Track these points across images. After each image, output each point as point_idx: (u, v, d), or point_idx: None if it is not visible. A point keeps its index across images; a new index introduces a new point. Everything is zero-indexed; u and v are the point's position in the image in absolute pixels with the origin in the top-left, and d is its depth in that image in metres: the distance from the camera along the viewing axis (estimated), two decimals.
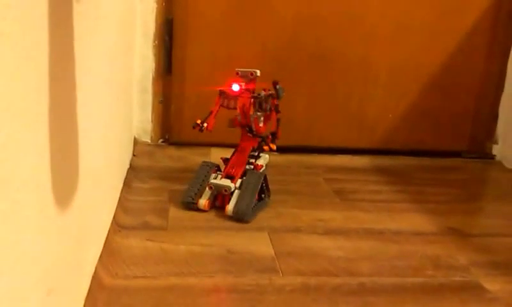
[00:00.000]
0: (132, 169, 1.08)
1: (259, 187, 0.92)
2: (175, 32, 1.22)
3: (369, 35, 1.29)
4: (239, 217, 0.88)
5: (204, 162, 0.96)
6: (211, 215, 0.91)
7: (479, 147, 1.39)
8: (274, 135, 1.00)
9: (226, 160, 0.96)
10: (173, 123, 1.26)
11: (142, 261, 0.73)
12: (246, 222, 0.88)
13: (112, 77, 0.83)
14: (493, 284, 0.74)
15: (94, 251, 0.66)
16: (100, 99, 0.69)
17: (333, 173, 1.21)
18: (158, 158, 1.20)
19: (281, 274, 0.73)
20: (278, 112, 0.98)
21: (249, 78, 0.93)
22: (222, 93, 0.92)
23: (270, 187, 0.99)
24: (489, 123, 1.38)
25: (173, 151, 1.25)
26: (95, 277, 0.64)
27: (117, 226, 0.81)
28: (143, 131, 1.22)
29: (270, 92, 0.96)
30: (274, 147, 0.98)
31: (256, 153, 0.97)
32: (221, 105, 0.92)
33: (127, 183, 0.99)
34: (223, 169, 0.95)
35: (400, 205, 1.04)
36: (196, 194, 0.90)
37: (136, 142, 1.20)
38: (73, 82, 0.50)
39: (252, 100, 0.90)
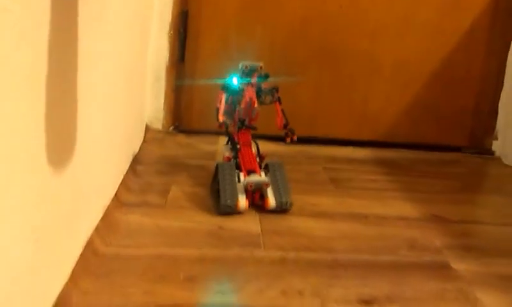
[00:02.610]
0: (141, 153, 1.17)
1: (285, 174, 0.93)
2: (189, 24, 1.30)
3: (374, 30, 1.34)
4: (286, 208, 0.90)
5: (220, 163, 0.93)
6: (207, 197, 0.97)
7: (479, 143, 1.42)
8: (287, 125, 0.97)
9: (232, 159, 0.95)
10: (183, 111, 1.34)
11: (136, 234, 0.81)
12: (289, 211, 0.90)
13: (121, 59, 0.91)
14: (460, 265, 0.78)
15: (90, 220, 0.74)
16: (105, 76, 0.78)
17: (333, 163, 1.26)
18: (167, 145, 1.28)
19: (262, 248, 0.80)
20: (280, 103, 0.97)
21: (257, 71, 0.92)
22: (225, 89, 0.92)
23: None
24: (489, 119, 1.41)
25: (182, 138, 1.33)
26: (89, 244, 0.72)
27: (118, 202, 0.90)
28: (155, 118, 1.30)
29: (272, 86, 0.96)
30: (295, 137, 0.96)
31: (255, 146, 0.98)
32: (226, 102, 0.92)
33: (133, 166, 1.07)
34: (235, 166, 0.93)
35: (391, 193, 1.08)
36: (232, 197, 0.87)
37: (147, 128, 1.28)
38: (76, 52, 0.58)
39: (256, 93, 0.91)
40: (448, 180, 1.20)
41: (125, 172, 1.00)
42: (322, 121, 1.39)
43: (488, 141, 1.42)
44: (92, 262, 0.70)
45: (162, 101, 1.29)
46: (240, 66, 0.91)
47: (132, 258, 0.74)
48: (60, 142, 0.59)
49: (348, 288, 0.70)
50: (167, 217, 0.88)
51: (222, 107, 0.92)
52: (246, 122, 0.96)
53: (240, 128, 0.97)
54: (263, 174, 0.91)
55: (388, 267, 0.77)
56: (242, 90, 0.91)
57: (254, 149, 0.98)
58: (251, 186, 0.88)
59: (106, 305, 0.62)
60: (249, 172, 0.90)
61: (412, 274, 0.75)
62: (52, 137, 0.54)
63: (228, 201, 0.86)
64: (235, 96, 0.92)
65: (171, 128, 1.34)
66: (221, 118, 0.91)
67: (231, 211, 0.87)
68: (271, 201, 0.88)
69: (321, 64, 1.35)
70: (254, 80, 0.93)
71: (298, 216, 0.93)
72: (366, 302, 0.67)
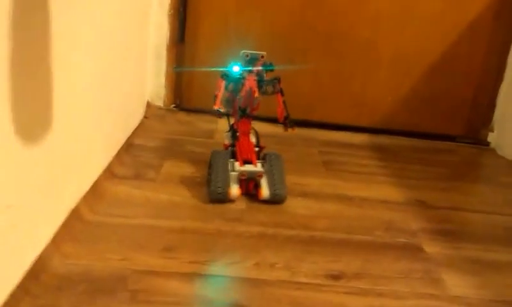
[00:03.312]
0: (140, 129, 1.20)
1: (283, 166, 0.92)
2: (189, 5, 1.31)
3: (375, 18, 1.34)
4: (278, 200, 0.89)
5: (215, 151, 0.93)
6: (200, 173, 1.00)
7: (475, 133, 1.43)
8: (288, 118, 0.96)
9: (230, 146, 0.95)
10: (184, 89, 1.37)
11: (124, 204, 0.85)
12: (283, 202, 0.89)
13: (114, 35, 0.94)
14: (432, 248, 0.80)
15: (76, 189, 0.78)
16: (94, 52, 0.81)
17: (328, 147, 1.28)
18: (167, 122, 1.31)
19: (244, 224, 0.83)
20: (283, 94, 0.95)
21: (259, 60, 0.90)
22: (225, 76, 0.90)
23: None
24: (487, 111, 1.41)
25: (182, 116, 1.36)
26: (75, 211, 0.76)
27: (110, 174, 0.94)
28: (156, 95, 1.33)
29: (274, 77, 0.94)
30: (294, 129, 0.96)
31: (255, 136, 0.98)
32: (225, 89, 0.91)
33: (130, 140, 1.11)
34: (230, 156, 0.93)
35: (380, 178, 1.10)
36: (224, 185, 0.86)
37: (148, 105, 1.32)
38: (49, 27, 0.62)
39: (257, 83, 0.89)
40: (439, 167, 1.21)
41: (120, 146, 1.04)
42: (321, 106, 1.40)
43: (484, 132, 1.42)
44: (76, 228, 0.75)
45: (164, 79, 1.32)
46: (241, 54, 0.89)
47: (116, 226, 0.78)
48: (36, 114, 0.62)
49: (319, 263, 0.73)
50: (157, 190, 0.92)
51: (220, 94, 0.90)
52: (248, 111, 0.95)
53: (242, 116, 0.96)
54: (259, 164, 0.91)
55: (361, 246, 0.79)
56: (243, 79, 0.90)
57: (254, 139, 0.98)
58: (244, 175, 0.88)
59: (84, 268, 0.66)
60: (245, 161, 0.90)
61: (383, 253, 0.78)
62: (25, 108, 0.57)
63: (219, 188, 0.86)
64: (236, 84, 0.90)
65: (172, 105, 1.37)
66: (217, 106, 0.90)
67: (222, 198, 0.87)
68: (265, 191, 0.88)
69: (321, 51, 1.36)
70: (256, 69, 0.91)
71: None
72: (334, 277, 0.70)
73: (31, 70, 0.58)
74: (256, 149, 0.96)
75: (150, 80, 1.31)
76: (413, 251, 0.79)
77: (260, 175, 0.89)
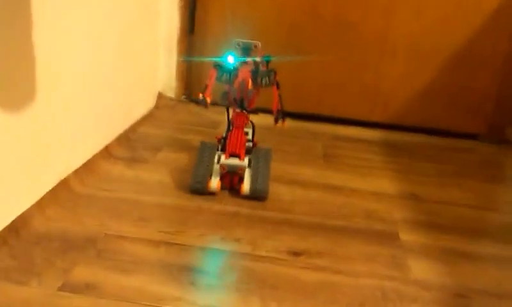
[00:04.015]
0: (148, 117, 1.26)
1: (270, 162, 0.90)
2: None
3: (389, 8, 1.31)
4: (258, 196, 0.86)
5: (204, 142, 0.92)
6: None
7: (499, 132, 1.35)
8: (281, 112, 0.94)
9: (222, 139, 0.93)
10: (194, 81, 1.42)
11: (114, 181, 0.90)
12: (264, 199, 0.87)
13: (123, 23, 1.01)
14: (408, 237, 0.79)
15: (68, 163, 0.84)
16: (96, 40, 0.88)
17: (335, 141, 1.28)
18: (176, 112, 1.37)
19: (223, 204, 0.85)
20: (278, 87, 0.93)
21: (251, 50, 0.89)
22: (217, 66, 0.89)
23: (269, 145, 1.07)
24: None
25: (192, 107, 1.40)
26: (65, 182, 0.82)
27: (107, 153, 1.00)
28: (168, 87, 1.39)
29: (270, 69, 0.91)
30: (285, 124, 0.93)
31: (251, 130, 0.96)
32: (216, 79, 0.89)
33: (135, 127, 1.17)
34: (221, 148, 0.92)
35: (380, 172, 1.08)
36: (205, 176, 0.86)
37: (160, 96, 1.38)
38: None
39: (251, 74, 0.87)
40: (450, 165, 1.17)
41: (122, 130, 1.10)
42: (331, 100, 1.40)
43: (509, 130, 1.35)
44: (63, 196, 0.80)
45: (175, 70, 1.38)
46: (234, 43, 0.89)
47: (101, 198, 0.83)
48: (28, 86, 0.69)
49: (284, 242, 0.74)
50: (149, 171, 0.96)
51: (210, 84, 0.88)
52: (246, 105, 0.93)
53: (242, 109, 0.93)
54: (246, 159, 0.89)
55: (334, 230, 0.80)
56: (237, 70, 0.88)
57: (248, 133, 0.96)
58: (224, 168, 0.87)
59: (62, 229, 0.72)
60: (231, 155, 0.88)
61: (354, 238, 0.78)
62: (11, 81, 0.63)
63: (198, 181, 0.85)
64: (230, 75, 0.88)
65: (183, 96, 1.42)
66: (206, 95, 0.88)
67: (201, 190, 0.86)
68: (246, 186, 0.86)
69: (331, 41, 1.35)
70: (250, 59, 0.89)
71: (274, 182, 0.97)
72: (295, 253, 0.71)
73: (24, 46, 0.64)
74: (249, 144, 0.95)
75: (161, 71, 1.36)
76: (386, 237, 0.78)
77: (241, 170, 0.87)
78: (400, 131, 1.38)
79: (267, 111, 1.32)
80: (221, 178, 0.87)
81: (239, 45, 0.89)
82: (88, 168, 0.90)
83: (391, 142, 1.31)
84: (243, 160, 0.88)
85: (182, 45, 1.36)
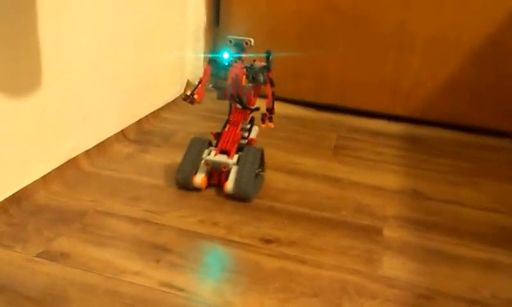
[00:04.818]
0: (173, 104, 1.32)
1: (257, 162, 0.87)
2: None
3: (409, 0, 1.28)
4: (241, 196, 0.84)
5: (195, 137, 0.91)
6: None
7: None
8: (270, 111, 0.93)
9: (217, 135, 0.91)
10: None
11: (121, 162, 0.97)
12: (248, 200, 0.85)
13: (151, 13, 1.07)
14: (392, 233, 0.78)
15: (77, 142, 0.92)
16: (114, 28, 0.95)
17: (353, 133, 1.26)
18: (203, 100, 1.41)
19: (213, 189, 0.88)
20: (273, 85, 0.92)
21: (243, 47, 0.88)
22: (212, 62, 0.89)
23: (281, 134, 1.08)
24: None
25: None
26: (74, 161, 0.90)
27: (122, 137, 1.06)
28: (196, 76, 1.44)
29: (263, 64, 0.90)
30: (271, 125, 0.91)
31: (248, 126, 0.95)
32: (211, 75, 0.89)
33: (157, 112, 1.23)
34: (215, 144, 0.90)
35: (388, 166, 1.06)
36: (190, 172, 0.86)
37: (188, 84, 1.43)
38: None
39: (245, 70, 0.87)
40: (468, 163, 1.12)
41: (143, 115, 1.16)
42: (352, 92, 1.38)
43: None
44: (69, 174, 0.88)
45: (202, 60, 1.42)
46: (226, 40, 0.89)
47: (104, 177, 0.90)
48: (34, 72, 0.76)
49: (260, 228, 0.76)
50: (156, 155, 1.02)
51: (204, 80, 0.89)
52: (245, 102, 0.91)
53: (242, 106, 0.91)
54: (236, 157, 0.87)
55: (316, 221, 0.80)
56: (230, 66, 0.88)
57: (242, 131, 0.94)
58: (207, 164, 0.86)
59: (60, 203, 0.79)
60: (221, 151, 0.87)
61: (334, 230, 0.78)
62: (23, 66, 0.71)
63: (182, 176, 0.86)
64: (225, 71, 0.89)
65: (210, 85, 1.47)
66: (189, 92, 0.89)
67: (185, 185, 0.86)
68: (229, 184, 0.84)
69: (350, 34, 1.33)
70: (244, 56, 0.88)
71: (274, 170, 0.99)
72: (267, 240, 0.73)
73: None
74: (244, 141, 0.93)
75: (189, 60, 1.42)
76: (368, 232, 0.78)
77: (224, 166, 0.86)
78: (425, 125, 1.34)
79: (292, 101, 1.34)
80: (210, 175, 0.88)
81: (230, 42, 0.89)
82: (99, 149, 0.97)
83: (412, 137, 1.27)
84: (232, 157, 0.87)
85: (208, 36, 1.40)
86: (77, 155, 0.91)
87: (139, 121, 1.14)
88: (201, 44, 1.40)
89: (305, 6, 1.34)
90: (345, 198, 0.89)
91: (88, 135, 0.95)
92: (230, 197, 0.84)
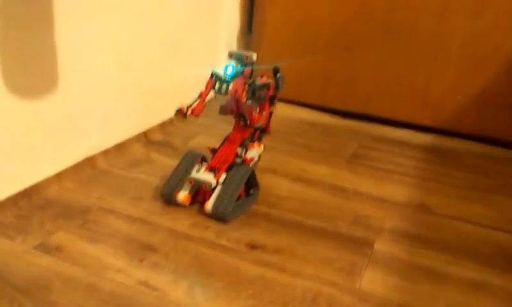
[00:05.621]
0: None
1: (243, 183, 0.84)
2: None
3: (444, 8, 1.24)
4: (218, 217, 0.81)
5: (189, 151, 0.89)
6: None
7: None
8: (263, 131, 0.91)
9: (213, 151, 0.89)
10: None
11: (137, 162, 1.02)
12: (225, 222, 0.81)
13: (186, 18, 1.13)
14: (383, 247, 0.77)
15: (96, 142, 0.98)
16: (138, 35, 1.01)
17: (373, 142, 1.25)
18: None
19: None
20: (272, 104, 0.90)
21: (243, 62, 0.86)
22: (214, 75, 0.86)
23: (300, 140, 1.08)
24: None
25: None
26: (90, 160, 0.97)
27: (144, 138, 1.12)
28: None
29: (268, 81, 0.89)
30: (261, 146, 0.91)
31: (246, 144, 0.91)
32: (212, 88, 0.86)
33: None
34: (209, 161, 0.88)
35: (401, 177, 1.04)
36: (175, 187, 0.84)
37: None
38: None
39: (246, 86, 0.85)
40: (486, 178, 1.07)
41: (167, 118, 1.22)
42: (379, 100, 1.36)
43: None
44: (84, 172, 0.95)
45: None
46: (228, 54, 0.87)
47: (116, 176, 0.96)
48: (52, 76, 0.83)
49: (249, 235, 0.79)
50: (172, 157, 1.06)
51: (204, 93, 0.86)
52: (248, 121, 0.88)
53: (244, 124, 0.90)
54: (223, 176, 0.84)
55: (308, 230, 0.81)
56: (230, 80, 0.85)
57: (240, 150, 0.90)
58: (190, 182, 0.84)
59: (69, 199, 0.86)
60: (211, 169, 0.85)
61: (324, 241, 0.78)
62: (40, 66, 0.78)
63: (165, 191, 0.84)
64: (227, 85, 0.86)
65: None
66: (185, 107, 0.85)
67: (168, 200, 0.85)
68: (209, 204, 0.82)
69: (382, 41, 1.31)
70: (246, 69, 0.86)
71: (280, 176, 1.01)
72: (252, 246, 0.75)
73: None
74: (239, 160, 0.90)
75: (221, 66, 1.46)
76: (359, 245, 0.77)
77: (206, 185, 0.82)
78: (454, 137, 1.30)
79: (314, 107, 1.33)
80: (197, 191, 0.85)
81: (231, 56, 0.87)
82: (119, 149, 1.04)
83: (438, 148, 1.23)
84: (219, 176, 0.84)
85: (241, 43, 1.44)
86: (95, 154, 0.98)
87: (163, 123, 1.20)
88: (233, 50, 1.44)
89: (338, 13, 1.34)
90: (344, 208, 0.89)
91: (107, 135, 1.02)
92: (210, 216, 0.82)
